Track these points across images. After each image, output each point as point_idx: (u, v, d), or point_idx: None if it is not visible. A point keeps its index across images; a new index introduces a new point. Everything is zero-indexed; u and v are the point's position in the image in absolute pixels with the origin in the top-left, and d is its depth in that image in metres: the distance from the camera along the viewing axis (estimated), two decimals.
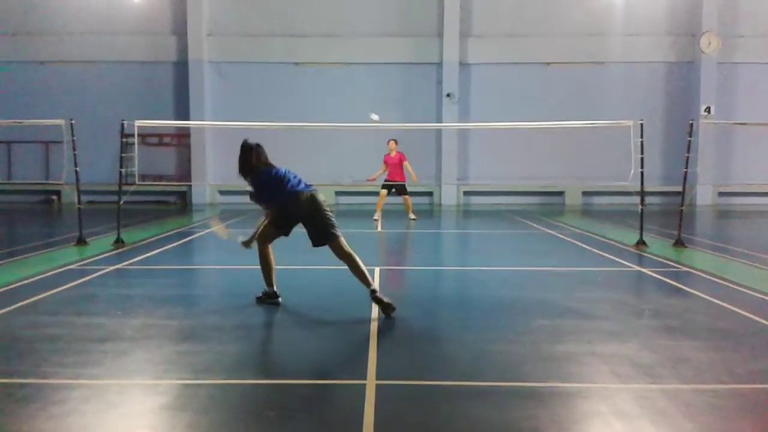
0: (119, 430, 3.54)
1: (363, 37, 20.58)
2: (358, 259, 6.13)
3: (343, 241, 6.17)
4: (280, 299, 6.42)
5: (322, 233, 6.15)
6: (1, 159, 20.91)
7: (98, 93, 20.55)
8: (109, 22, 20.62)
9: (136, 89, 20.65)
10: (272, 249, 6.44)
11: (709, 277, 7.97)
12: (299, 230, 6.36)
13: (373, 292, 5.99)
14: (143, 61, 20.78)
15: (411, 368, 4.60)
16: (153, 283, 7.66)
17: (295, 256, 8.19)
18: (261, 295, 6.49)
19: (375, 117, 13.14)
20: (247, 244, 6.38)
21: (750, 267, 8.80)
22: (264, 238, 6.39)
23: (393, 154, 14.86)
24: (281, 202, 6.23)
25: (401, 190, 14.97)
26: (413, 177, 14.99)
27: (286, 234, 6.39)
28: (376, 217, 14.96)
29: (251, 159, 6.36)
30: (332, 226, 6.17)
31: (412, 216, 15.01)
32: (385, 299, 5.94)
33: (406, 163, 14.87)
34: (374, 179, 15.13)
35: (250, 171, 6.35)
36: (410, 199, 15.31)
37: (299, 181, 6.30)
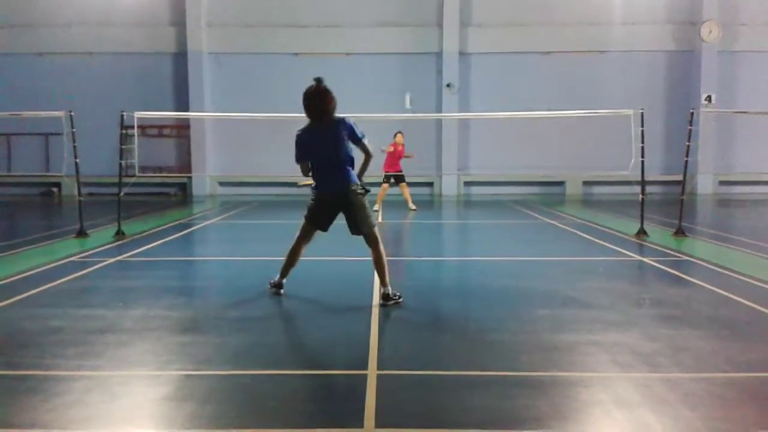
0: (122, 421, 3.55)
1: (362, 27, 20.50)
2: (383, 254, 6.03)
3: (375, 232, 6.04)
4: (282, 291, 6.41)
5: (356, 226, 6.03)
6: (1, 151, 20.90)
7: (97, 84, 20.50)
8: (108, 14, 20.54)
9: (135, 81, 20.60)
10: (306, 247, 6.33)
11: (709, 266, 7.97)
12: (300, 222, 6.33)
13: (386, 297, 5.95)
14: (142, 53, 20.72)
15: (412, 358, 4.61)
16: (154, 275, 7.67)
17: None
18: (273, 282, 6.49)
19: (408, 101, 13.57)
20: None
21: (751, 256, 8.80)
22: (303, 234, 6.27)
23: (400, 147, 14.98)
24: (316, 193, 6.08)
25: (399, 179, 15.09)
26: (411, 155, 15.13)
27: (324, 229, 6.22)
28: (376, 208, 15.00)
29: (305, 108, 5.93)
30: (368, 224, 6.00)
31: (412, 206, 15.05)
32: (390, 303, 5.92)
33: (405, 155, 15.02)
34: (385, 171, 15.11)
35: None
36: (408, 189, 15.35)
37: (332, 175, 5.94)
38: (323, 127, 5.95)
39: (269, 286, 6.48)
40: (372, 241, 6.04)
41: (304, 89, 5.88)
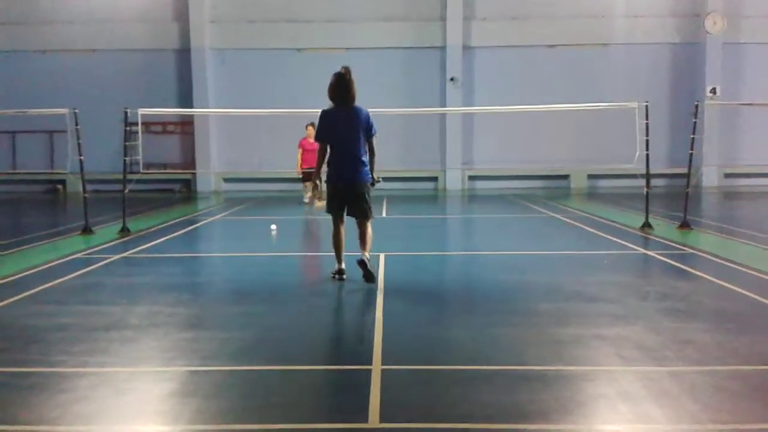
0: (127, 417, 3.57)
1: (366, 22, 20.45)
2: (370, 232, 6.61)
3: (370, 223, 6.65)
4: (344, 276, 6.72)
5: (358, 213, 6.59)
6: (6, 149, 20.91)
7: (101, 81, 20.48)
8: (111, 10, 20.53)
9: (138, 77, 20.57)
10: (343, 229, 6.71)
11: (714, 259, 7.95)
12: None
13: (362, 262, 6.38)
14: (145, 49, 20.71)
15: (417, 353, 4.61)
16: (159, 271, 7.69)
17: (297, 243, 8.19)
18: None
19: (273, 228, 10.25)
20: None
21: (756, 248, 8.77)
22: (333, 219, 6.72)
23: (311, 139, 14.53)
24: (330, 177, 6.55)
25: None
26: None
27: (341, 210, 6.62)
28: (306, 200, 14.08)
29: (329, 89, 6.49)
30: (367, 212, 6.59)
31: (306, 201, 14.25)
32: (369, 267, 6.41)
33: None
34: (303, 168, 13.57)
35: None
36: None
37: (346, 166, 6.44)
38: (338, 109, 6.46)
39: (332, 276, 6.76)
40: (363, 226, 6.60)
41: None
